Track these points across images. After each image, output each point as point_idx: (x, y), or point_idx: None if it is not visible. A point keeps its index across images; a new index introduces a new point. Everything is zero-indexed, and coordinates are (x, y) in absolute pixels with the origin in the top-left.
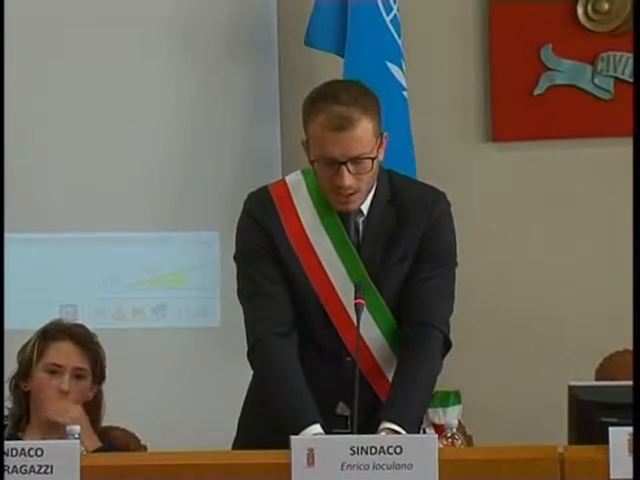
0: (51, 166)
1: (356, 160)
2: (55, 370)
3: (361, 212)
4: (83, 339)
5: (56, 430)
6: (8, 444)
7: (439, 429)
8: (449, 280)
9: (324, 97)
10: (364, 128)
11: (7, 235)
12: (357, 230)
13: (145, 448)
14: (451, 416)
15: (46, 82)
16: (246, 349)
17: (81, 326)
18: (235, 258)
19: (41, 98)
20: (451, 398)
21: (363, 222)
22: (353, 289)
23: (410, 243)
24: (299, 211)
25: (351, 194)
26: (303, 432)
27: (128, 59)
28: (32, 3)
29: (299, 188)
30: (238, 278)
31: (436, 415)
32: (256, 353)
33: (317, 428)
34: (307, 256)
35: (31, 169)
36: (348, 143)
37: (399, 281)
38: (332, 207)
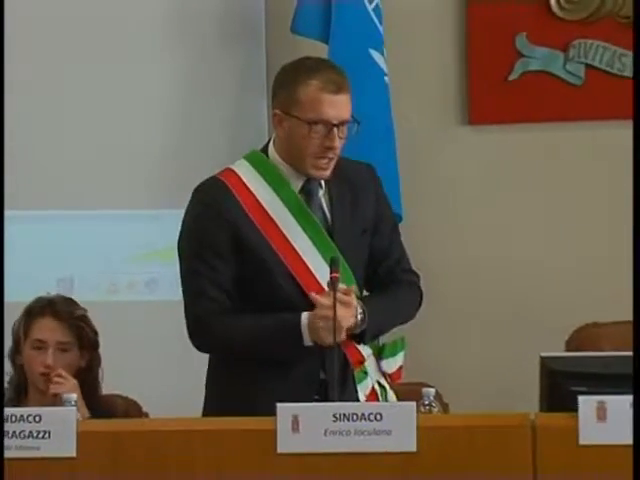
0: (51, 147)
1: (344, 124)
2: (40, 346)
3: (320, 185)
4: (64, 313)
5: (52, 402)
6: (8, 410)
7: (392, 377)
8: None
9: (315, 65)
10: (349, 96)
11: (9, 212)
12: (320, 204)
13: (146, 415)
14: (399, 362)
15: (47, 67)
16: None
17: (63, 299)
18: (184, 250)
19: (42, 81)
20: (398, 346)
21: (324, 195)
22: (322, 261)
23: (366, 216)
24: (254, 192)
25: (331, 159)
26: (301, 322)
27: (125, 46)
28: None
29: (247, 172)
30: (185, 272)
31: (387, 365)
32: (203, 328)
33: (304, 314)
34: (273, 233)
35: (31, 150)
36: (342, 106)
37: (363, 252)
38: (289, 183)
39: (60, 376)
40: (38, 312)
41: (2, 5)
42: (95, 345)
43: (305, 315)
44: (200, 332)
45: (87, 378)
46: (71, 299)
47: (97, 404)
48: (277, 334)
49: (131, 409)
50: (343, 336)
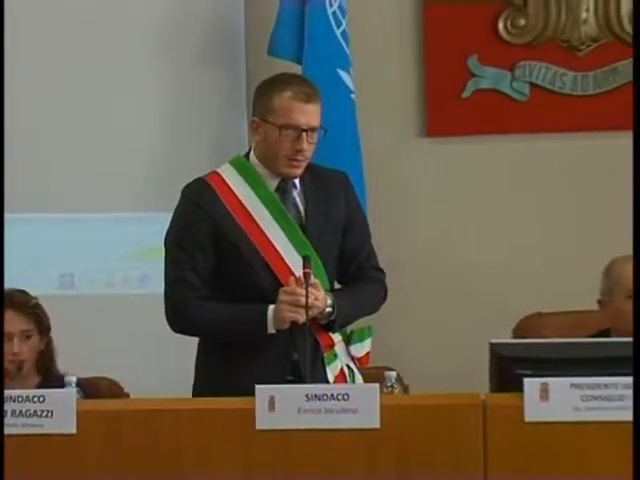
0: (53, 156)
1: (313, 130)
2: (7, 337)
3: (295, 186)
4: (22, 305)
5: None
6: (15, 392)
7: (360, 361)
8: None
9: (289, 79)
10: (319, 107)
11: (18, 215)
12: (294, 203)
13: (128, 395)
14: (366, 348)
15: (47, 78)
16: None
17: (18, 292)
18: (169, 241)
19: (43, 94)
20: (365, 333)
21: (299, 195)
22: (296, 253)
23: (338, 216)
24: (235, 191)
25: (301, 160)
26: (268, 312)
27: (122, 65)
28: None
29: (231, 175)
30: (168, 261)
31: (355, 350)
32: (178, 310)
33: (271, 306)
34: (251, 227)
35: (35, 159)
36: (311, 114)
37: (334, 248)
38: (266, 183)
39: None
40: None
41: (2, 5)
42: (49, 329)
43: (272, 307)
44: (177, 314)
45: (46, 357)
46: (24, 291)
47: (84, 385)
48: (244, 321)
49: (114, 389)
50: (302, 319)
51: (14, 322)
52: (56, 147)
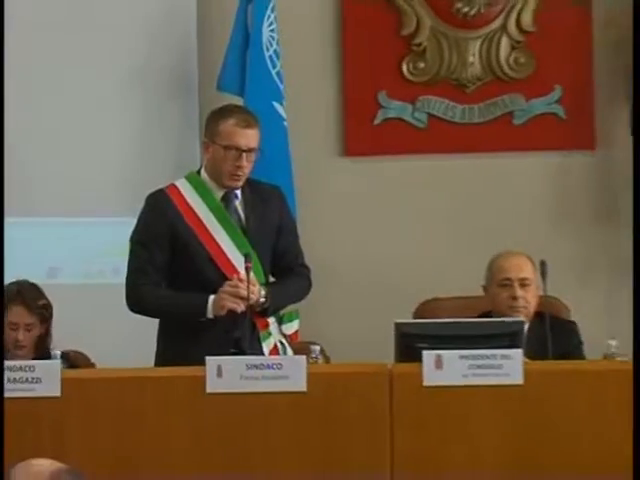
0: (48, 167)
1: (251, 151)
2: (14, 327)
3: (237, 196)
4: (31, 301)
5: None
6: (10, 363)
7: (290, 337)
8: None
9: (233, 109)
10: (257, 132)
11: (17, 219)
12: (236, 210)
13: (93, 365)
14: (295, 327)
15: (33, 95)
16: None
17: (29, 288)
18: (133, 239)
19: (26, 112)
20: (294, 315)
21: (240, 204)
22: (238, 252)
23: (272, 221)
24: (188, 200)
25: (241, 175)
26: (209, 302)
27: (100, 99)
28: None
29: (185, 187)
30: (131, 254)
31: (286, 328)
32: (135, 294)
33: (212, 295)
34: (200, 230)
35: (31, 170)
36: (250, 137)
37: (269, 248)
38: (213, 194)
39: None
40: (12, 299)
41: (2, 6)
42: (50, 318)
43: (212, 296)
44: (134, 298)
45: (44, 340)
46: (36, 285)
47: (67, 358)
48: (188, 307)
49: (84, 360)
50: (243, 307)
51: (22, 316)
52: (50, 162)
